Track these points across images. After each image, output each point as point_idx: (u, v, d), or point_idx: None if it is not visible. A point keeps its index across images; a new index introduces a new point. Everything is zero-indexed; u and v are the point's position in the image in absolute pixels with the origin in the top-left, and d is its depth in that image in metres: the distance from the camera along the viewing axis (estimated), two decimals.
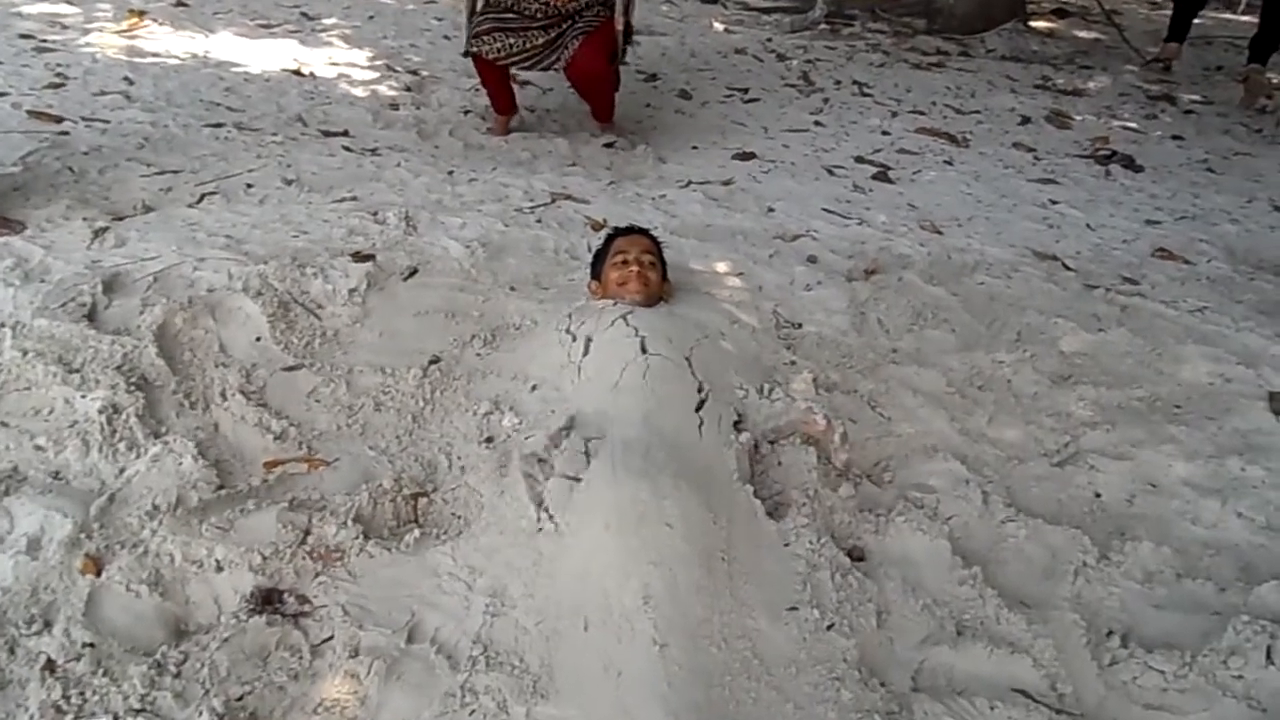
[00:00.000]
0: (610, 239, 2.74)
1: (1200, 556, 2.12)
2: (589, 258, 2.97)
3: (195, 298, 2.55)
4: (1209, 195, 4.38)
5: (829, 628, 1.78)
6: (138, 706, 1.58)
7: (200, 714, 1.56)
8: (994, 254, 3.41)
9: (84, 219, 2.95)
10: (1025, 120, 5.51)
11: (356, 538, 1.93)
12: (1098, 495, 2.33)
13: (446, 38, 6.13)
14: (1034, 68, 6.85)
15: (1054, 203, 4.11)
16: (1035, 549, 2.13)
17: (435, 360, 2.48)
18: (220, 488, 2.02)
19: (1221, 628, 1.86)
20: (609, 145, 4.49)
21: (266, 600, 1.82)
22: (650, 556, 1.76)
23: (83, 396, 2.18)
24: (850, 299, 2.94)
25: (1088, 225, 3.85)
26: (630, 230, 2.76)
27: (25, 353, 2.28)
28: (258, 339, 2.50)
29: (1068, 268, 3.37)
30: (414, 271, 2.82)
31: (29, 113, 3.85)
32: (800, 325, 2.79)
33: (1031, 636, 1.86)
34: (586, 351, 2.30)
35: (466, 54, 4.24)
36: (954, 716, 1.67)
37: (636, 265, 2.57)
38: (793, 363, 2.57)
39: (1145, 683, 1.81)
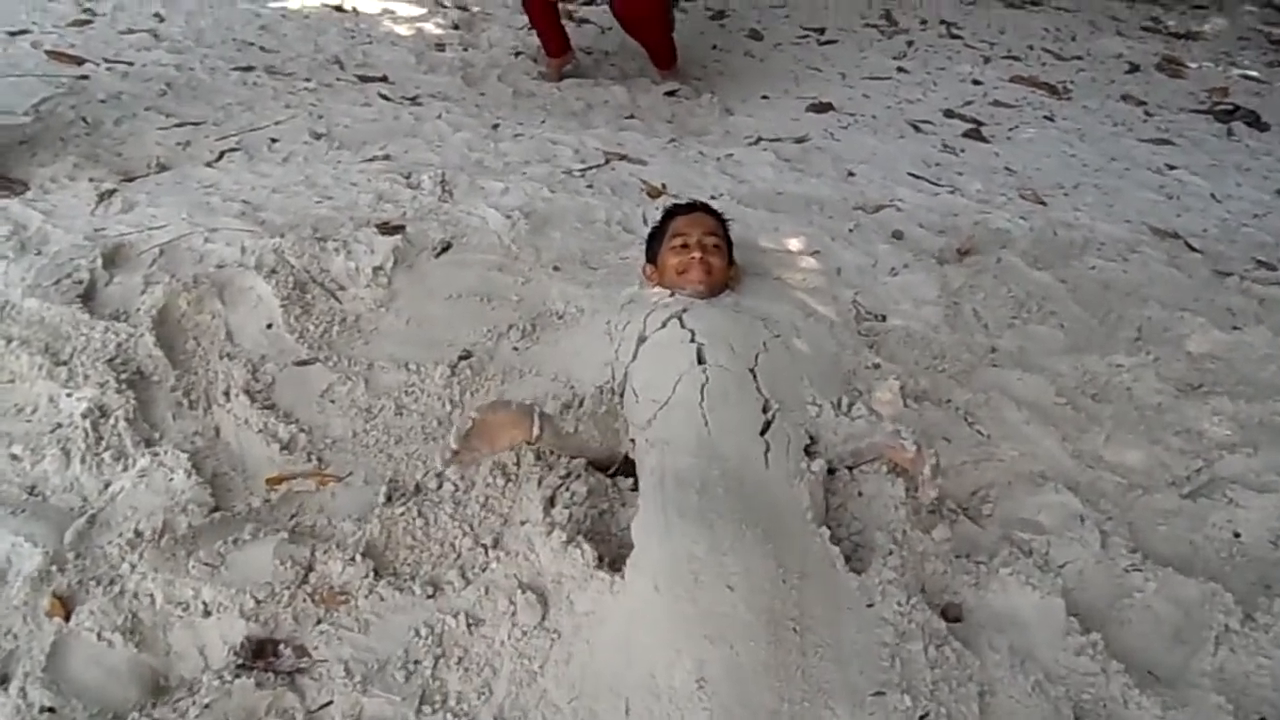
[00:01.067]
0: (668, 216, 2.39)
1: None
2: (644, 230, 2.63)
3: (202, 276, 2.28)
4: None
5: (923, 719, 1.47)
6: None
7: None
8: (1106, 230, 2.98)
9: (91, 179, 2.69)
10: (1133, 68, 4.96)
11: (366, 576, 1.67)
12: (1237, 535, 1.98)
13: None
14: (1141, 7, 6.20)
15: (1171, 168, 3.63)
16: (1165, 607, 1.79)
17: (466, 355, 2.18)
18: (215, 510, 1.77)
19: None
20: (671, 94, 4.11)
21: (259, 653, 1.57)
22: (707, 628, 1.46)
23: (68, 395, 1.94)
24: (941, 286, 2.56)
25: (1212, 196, 3.39)
26: (692, 207, 2.41)
27: (9, 340, 2.04)
28: (269, 326, 2.22)
29: (1192, 248, 2.94)
30: (447, 246, 2.50)
31: (48, 53, 3.59)
32: (884, 318, 2.43)
33: None
34: (635, 357, 1.98)
35: None
36: None
37: (699, 250, 2.22)
38: (876, 365, 2.22)
39: None
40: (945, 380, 2.25)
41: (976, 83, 4.58)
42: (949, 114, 4.10)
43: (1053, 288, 2.61)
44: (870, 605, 1.62)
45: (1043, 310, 2.52)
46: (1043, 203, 3.16)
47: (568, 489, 1.82)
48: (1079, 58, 5.09)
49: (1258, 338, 2.47)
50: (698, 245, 2.23)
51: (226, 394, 2.04)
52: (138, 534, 1.68)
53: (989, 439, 2.09)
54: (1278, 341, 2.45)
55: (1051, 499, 1.97)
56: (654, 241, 2.39)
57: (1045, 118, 4.16)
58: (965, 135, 3.83)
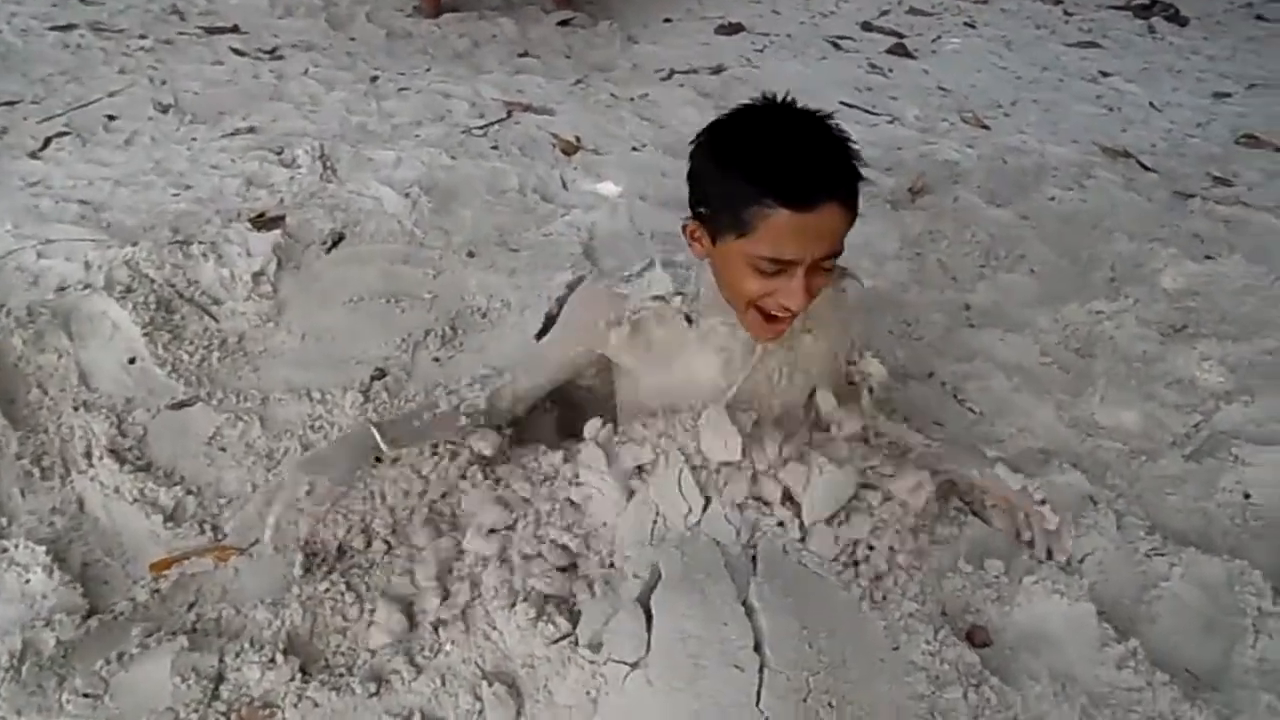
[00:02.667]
0: (769, 188, 1.22)
1: None
2: (565, 197, 2.31)
3: (39, 304, 1.87)
4: (1271, 53, 3.79)
5: None
6: None
7: None
8: (1056, 153, 2.79)
9: None
10: None
11: (291, 679, 1.36)
12: (1248, 496, 1.83)
13: None
14: None
15: (1105, 75, 3.46)
16: (1193, 593, 1.64)
17: (380, 374, 1.85)
18: (89, 615, 1.42)
19: None
20: (565, 24, 3.71)
21: None
22: None
23: None
24: (901, 236, 2.33)
25: (1151, 104, 3.23)
26: (817, 190, 1.22)
27: None
28: (132, 360, 1.84)
29: (1146, 168, 2.77)
30: (339, 239, 2.13)
31: None
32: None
33: None
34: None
35: None
36: None
37: (801, 294, 1.27)
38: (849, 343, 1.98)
39: None
40: (923, 349, 2.03)
41: None
42: (867, 27, 3.82)
43: (1016, 227, 2.40)
44: (895, 648, 1.40)
45: (1011, 255, 2.32)
46: (985, 126, 2.94)
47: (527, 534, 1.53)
48: None
49: (1232, 267, 2.32)
50: (804, 281, 1.26)
51: (88, 455, 1.66)
52: None
53: (982, 416, 1.89)
54: (1253, 270, 2.31)
55: (1058, 479, 1.78)
56: (717, 190, 1.29)
57: (966, 24, 3.93)
58: (890, 51, 3.57)
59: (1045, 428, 1.89)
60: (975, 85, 3.30)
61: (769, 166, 1.22)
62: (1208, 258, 2.35)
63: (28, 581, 1.45)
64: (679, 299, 1.48)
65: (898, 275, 2.20)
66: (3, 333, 1.80)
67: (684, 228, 1.38)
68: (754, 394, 1.49)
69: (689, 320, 1.47)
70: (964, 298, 2.18)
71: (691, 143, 1.34)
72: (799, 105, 1.29)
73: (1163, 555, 1.67)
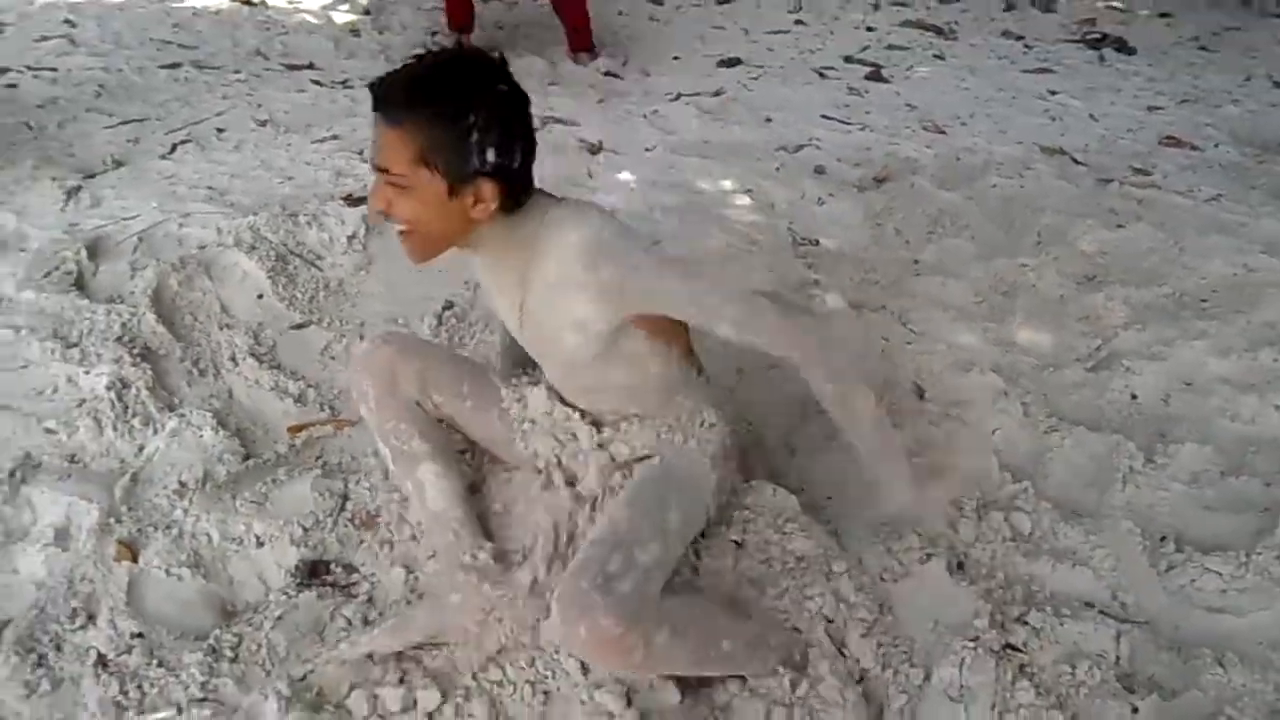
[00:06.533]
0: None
1: (1243, 453, 2.08)
2: (590, 185, 2.85)
3: (187, 257, 2.41)
4: (1207, 76, 4.30)
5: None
6: (200, 695, 1.51)
7: (266, 697, 1.49)
8: (1002, 152, 3.32)
9: (53, 178, 2.77)
10: (1009, 5, 5.37)
11: (396, 500, 1.86)
12: (1134, 397, 2.29)
13: None
14: None
15: (1053, 93, 4.01)
16: (1080, 458, 2.09)
17: (449, 306, 2.38)
18: (247, 458, 1.93)
19: (1273, 524, 1.85)
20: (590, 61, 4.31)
21: (313, 572, 1.75)
22: None
23: (86, 373, 2.07)
24: (865, 211, 2.85)
25: (1090, 115, 3.76)
26: (387, 92, 1.36)
27: (17, 329, 2.15)
28: (260, 296, 2.38)
29: (1077, 162, 3.29)
30: None
31: None
32: (817, 241, 2.70)
33: (1090, 548, 1.84)
34: None
35: None
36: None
37: (373, 190, 1.44)
38: (816, 282, 2.50)
39: (1204, 585, 1.78)
40: (877, 290, 2.53)
41: (870, 29, 4.90)
42: (849, 60, 4.40)
43: (961, 205, 2.92)
44: None
45: (955, 225, 2.83)
46: (943, 132, 3.48)
47: None
48: (959, 0, 5.47)
49: (1140, 233, 2.81)
50: (376, 185, 1.42)
51: (233, 359, 2.19)
52: (182, 484, 1.83)
53: (921, 335, 2.39)
54: (1158, 235, 2.80)
55: (978, 380, 2.26)
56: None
57: (936, 57, 4.50)
58: (867, 78, 4.14)
59: (971, 345, 2.38)
60: (938, 103, 3.85)
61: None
62: (1119, 226, 2.86)
63: (201, 436, 1.96)
64: None
65: (860, 239, 2.72)
66: (162, 276, 2.34)
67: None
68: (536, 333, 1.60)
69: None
70: (914, 255, 2.69)
71: None
72: (488, 54, 1.42)
73: (1058, 432, 2.14)
